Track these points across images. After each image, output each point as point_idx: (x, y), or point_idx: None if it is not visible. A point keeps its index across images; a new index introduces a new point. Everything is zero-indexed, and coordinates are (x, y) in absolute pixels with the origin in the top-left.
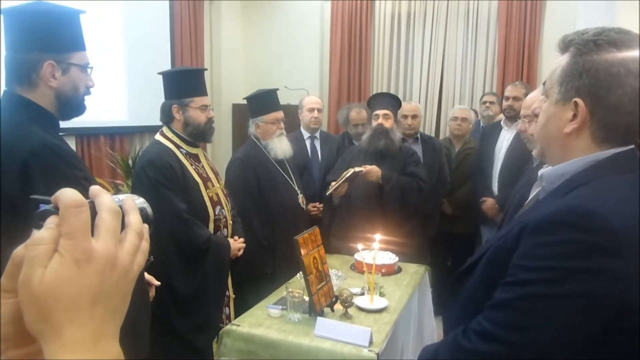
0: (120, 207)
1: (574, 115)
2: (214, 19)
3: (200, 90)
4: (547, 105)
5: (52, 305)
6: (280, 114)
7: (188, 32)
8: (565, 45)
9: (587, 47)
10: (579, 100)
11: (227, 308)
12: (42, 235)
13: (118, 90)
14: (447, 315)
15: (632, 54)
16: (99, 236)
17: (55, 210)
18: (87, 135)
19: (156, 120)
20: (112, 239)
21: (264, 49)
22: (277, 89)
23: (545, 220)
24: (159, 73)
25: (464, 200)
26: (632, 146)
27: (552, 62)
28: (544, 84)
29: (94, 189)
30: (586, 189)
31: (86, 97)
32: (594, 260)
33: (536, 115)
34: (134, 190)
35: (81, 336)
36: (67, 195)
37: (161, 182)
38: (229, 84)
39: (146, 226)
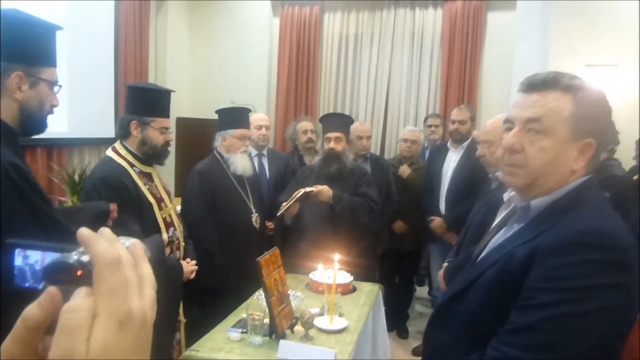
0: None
1: (580, 153)
2: (160, 30)
3: (164, 112)
4: (552, 144)
5: None
6: (248, 132)
7: (133, 43)
8: (548, 84)
9: (588, 93)
10: (592, 141)
11: (177, 333)
12: (82, 301)
13: (59, 98)
14: (434, 342)
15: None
16: (127, 293)
17: (75, 264)
18: (22, 146)
19: (98, 133)
20: (139, 295)
21: (211, 63)
22: (250, 110)
23: (563, 243)
24: (126, 85)
25: (413, 219)
26: (591, 175)
27: (490, 87)
28: (532, 120)
29: (86, 234)
30: (584, 212)
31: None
32: (610, 276)
33: (486, 142)
34: None
35: None
36: (104, 250)
37: (114, 202)
38: (174, 96)
39: None
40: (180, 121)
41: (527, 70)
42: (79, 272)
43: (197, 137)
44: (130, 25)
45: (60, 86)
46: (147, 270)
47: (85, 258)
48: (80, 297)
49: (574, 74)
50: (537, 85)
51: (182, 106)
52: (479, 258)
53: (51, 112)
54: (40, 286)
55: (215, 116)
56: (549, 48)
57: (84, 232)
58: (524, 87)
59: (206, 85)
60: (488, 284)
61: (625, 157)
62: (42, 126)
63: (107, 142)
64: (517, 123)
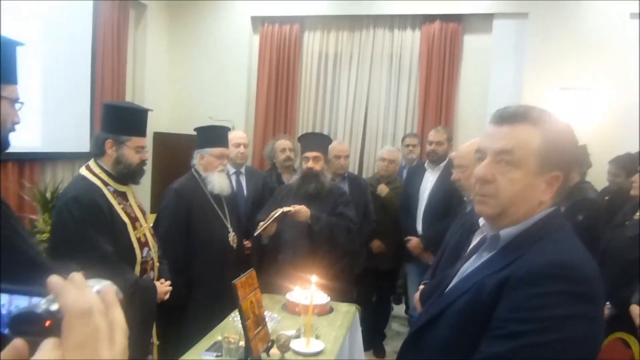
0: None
1: (548, 185)
2: (139, 44)
3: (141, 131)
4: (522, 175)
5: None
6: (226, 151)
7: (110, 56)
8: (519, 117)
9: (556, 127)
10: (559, 174)
11: (150, 356)
12: (49, 354)
13: (32, 111)
14: None
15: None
16: (97, 344)
17: (44, 314)
18: None
19: (73, 147)
20: (109, 345)
21: (190, 79)
22: (229, 129)
23: (531, 274)
24: (103, 103)
25: (390, 238)
26: (557, 207)
27: (467, 108)
28: (503, 151)
29: (55, 283)
30: (551, 244)
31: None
32: (577, 307)
33: (460, 167)
34: (55, 229)
35: None
36: (74, 300)
37: (87, 222)
38: (151, 111)
39: None
40: (158, 136)
41: (503, 92)
42: (47, 323)
43: (174, 152)
44: (109, 38)
45: (22, 103)
46: (118, 316)
47: (54, 307)
48: (47, 350)
49: (547, 98)
50: (507, 117)
51: (160, 121)
52: (450, 285)
53: (13, 129)
54: (6, 331)
55: (194, 131)
56: (524, 71)
57: (53, 280)
58: (495, 119)
59: (185, 100)
60: (459, 313)
61: (598, 178)
62: (4, 144)
63: (82, 156)
64: (489, 154)
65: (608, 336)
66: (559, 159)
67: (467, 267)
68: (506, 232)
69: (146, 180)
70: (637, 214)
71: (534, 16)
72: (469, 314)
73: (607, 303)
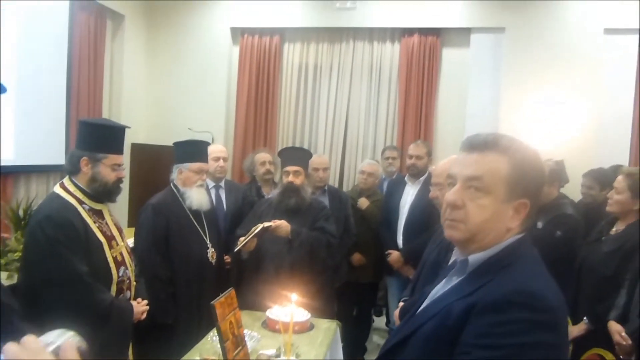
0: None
1: (516, 212)
2: (116, 55)
3: (117, 149)
4: (490, 202)
5: None
6: (206, 166)
7: (87, 66)
8: (488, 145)
9: (524, 155)
10: (527, 201)
11: None
12: None
13: (5, 123)
14: None
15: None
16: None
17: None
18: None
19: (47, 160)
20: None
21: (168, 90)
22: (209, 144)
23: (497, 301)
24: (79, 120)
25: (371, 251)
26: (525, 233)
27: (446, 121)
28: (472, 178)
29: (10, 352)
30: (517, 271)
31: None
32: (540, 335)
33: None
34: (27, 249)
35: None
36: None
37: (60, 241)
38: (129, 121)
39: None
40: (135, 147)
41: (480, 105)
42: None
43: (152, 163)
44: (85, 48)
45: None
46: None
47: None
48: None
49: (523, 111)
50: (477, 145)
51: (138, 132)
52: (422, 307)
53: None
54: None
55: (173, 145)
56: (501, 85)
57: (7, 348)
58: (465, 147)
59: (163, 111)
60: (427, 336)
61: (572, 190)
62: None
63: (57, 169)
64: (459, 180)
65: (585, 352)
66: (527, 186)
67: (438, 290)
68: (475, 258)
69: (124, 192)
70: (614, 229)
71: (510, 31)
72: (436, 338)
73: (585, 318)
